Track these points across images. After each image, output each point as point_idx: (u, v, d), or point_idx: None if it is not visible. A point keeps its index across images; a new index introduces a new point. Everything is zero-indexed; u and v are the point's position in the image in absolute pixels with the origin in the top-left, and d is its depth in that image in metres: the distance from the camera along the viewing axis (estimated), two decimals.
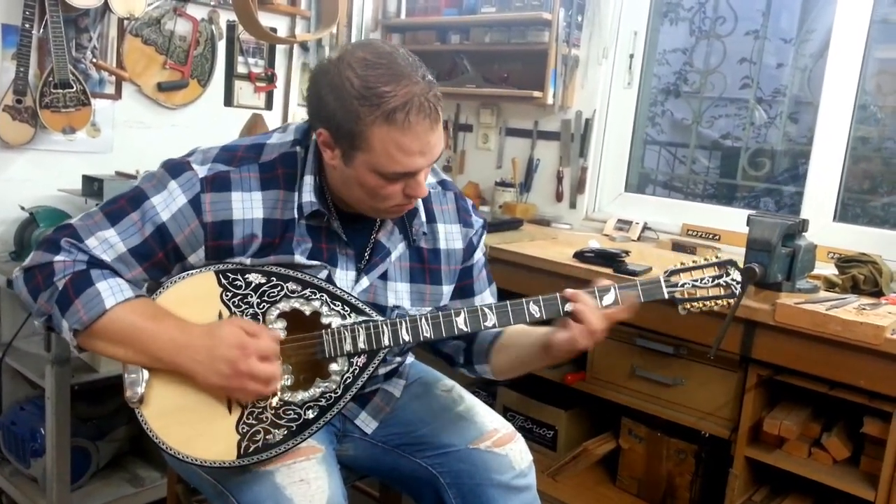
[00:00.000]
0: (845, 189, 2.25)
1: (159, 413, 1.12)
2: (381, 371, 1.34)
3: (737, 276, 1.21)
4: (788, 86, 2.59)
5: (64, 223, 1.15)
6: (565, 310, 1.16)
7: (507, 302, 1.18)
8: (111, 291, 1.09)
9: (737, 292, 1.21)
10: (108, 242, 1.12)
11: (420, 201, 1.25)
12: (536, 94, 2.60)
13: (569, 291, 1.16)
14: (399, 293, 1.27)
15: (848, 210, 2.31)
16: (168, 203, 1.13)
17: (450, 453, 1.30)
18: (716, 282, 1.21)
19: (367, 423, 1.36)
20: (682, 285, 1.20)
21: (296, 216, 1.17)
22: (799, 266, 1.75)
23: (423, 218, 1.27)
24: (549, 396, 2.37)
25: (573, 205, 2.72)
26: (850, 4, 2.15)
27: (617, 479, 2.21)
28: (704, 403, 1.91)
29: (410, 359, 1.48)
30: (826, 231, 2.18)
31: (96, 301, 1.08)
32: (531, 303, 1.17)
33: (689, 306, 1.21)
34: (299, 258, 1.17)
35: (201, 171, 1.14)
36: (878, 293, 1.81)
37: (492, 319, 1.17)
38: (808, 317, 1.60)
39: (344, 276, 1.22)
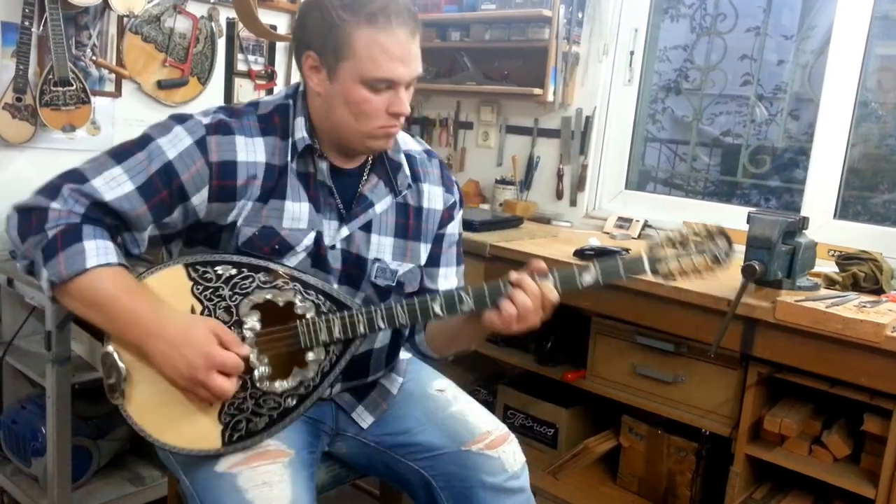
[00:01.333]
0: (846, 186, 2.24)
1: (142, 407, 1.14)
2: (364, 349, 1.31)
3: (723, 242, 1.16)
4: (789, 82, 2.59)
5: (69, 169, 1.14)
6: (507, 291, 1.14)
7: (483, 284, 1.16)
8: (96, 252, 1.08)
9: (723, 261, 1.16)
10: (116, 181, 1.11)
11: (405, 161, 1.30)
12: (537, 91, 2.59)
13: (517, 275, 1.14)
14: (382, 246, 1.29)
15: (848, 207, 2.31)
16: (174, 143, 1.15)
17: (442, 456, 1.29)
18: (700, 250, 1.16)
19: (363, 417, 1.36)
20: (665, 259, 1.16)
21: (289, 158, 1.20)
22: (799, 264, 1.75)
23: (408, 172, 1.30)
24: (549, 394, 2.37)
25: (573, 202, 2.71)
26: (850, 1, 2.15)
27: (618, 476, 2.21)
28: (705, 401, 1.91)
29: (407, 355, 1.48)
30: (826, 228, 2.17)
31: (79, 259, 1.06)
32: (508, 283, 1.15)
33: (674, 276, 1.17)
34: (290, 206, 1.20)
35: (205, 119, 1.18)
36: (878, 291, 1.81)
37: (468, 304, 1.16)
38: (809, 314, 1.60)
39: (327, 226, 1.24)
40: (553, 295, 1.14)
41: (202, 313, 1.14)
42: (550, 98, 2.61)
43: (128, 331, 1.09)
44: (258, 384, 1.15)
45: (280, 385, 1.16)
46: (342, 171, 1.26)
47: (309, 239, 1.22)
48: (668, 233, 1.19)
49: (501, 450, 1.29)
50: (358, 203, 1.27)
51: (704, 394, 1.91)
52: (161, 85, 2.44)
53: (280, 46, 2.79)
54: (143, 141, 1.16)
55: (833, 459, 1.73)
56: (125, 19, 2.31)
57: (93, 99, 2.22)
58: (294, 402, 1.17)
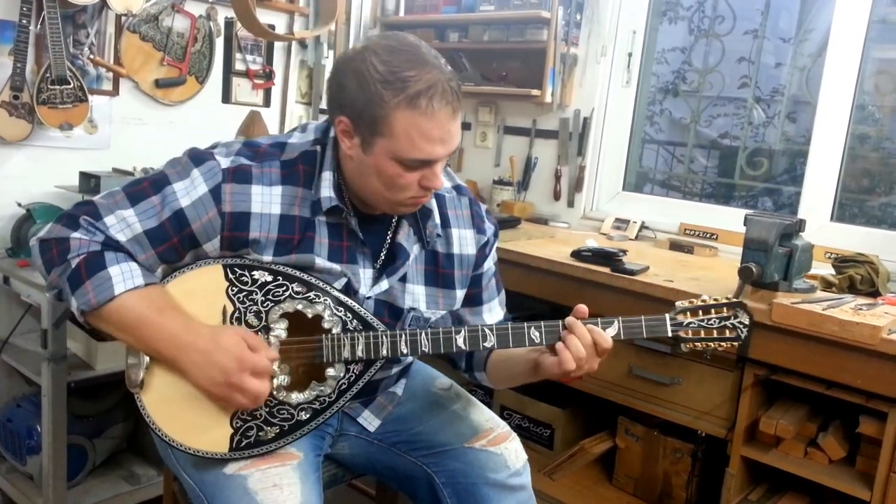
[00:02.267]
0: (843, 189, 2.25)
1: (158, 400, 1.14)
2: (383, 376, 1.33)
3: (745, 319, 1.19)
4: (787, 85, 2.59)
5: (86, 199, 1.16)
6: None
7: (509, 325, 1.17)
8: (122, 277, 1.10)
9: (743, 336, 1.19)
10: (126, 222, 1.13)
11: (435, 205, 1.26)
12: (535, 92, 2.59)
13: (569, 320, 1.15)
14: (416, 295, 1.27)
15: (845, 210, 2.31)
16: (189, 190, 1.14)
17: (445, 452, 1.30)
18: (722, 323, 1.19)
19: (370, 421, 1.36)
20: (688, 325, 1.18)
21: (314, 213, 1.17)
22: (796, 266, 1.75)
23: (438, 220, 1.26)
24: (546, 395, 2.37)
25: (571, 203, 2.71)
26: (848, 4, 2.15)
27: (613, 477, 2.21)
28: (701, 403, 1.91)
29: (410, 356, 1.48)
30: (823, 231, 2.18)
31: (107, 286, 1.08)
32: (532, 328, 1.16)
33: (691, 346, 1.19)
34: (319, 262, 1.17)
35: (224, 162, 1.15)
36: (874, 293, 1.81)
37: (491, 341, 1.16)
38: (805, 317, 1.60)
39: (362, 275, 1.22)
40: (606, 339, 1.15)
41: (233, 314, 1.15)
42: (548, 99, 2.61)
43: (161, 348, 1.10)
44: (275, 393, 1.15)
45: (296, 397, 1.16)
46: (370, 217, 1.23)
47: (340, 283, 1.20)
48: (691, 300, 1.21)
49: (504, 447, 1.30)
50: (398, 254, 1.24)
51: (701, 395, 1.91)
52: (159, 84, 2.44)
53: (278, 46, 2.79)
54: (160, 183, 1.15)
55: (828, 461, 1.74)
56: (123, 18, 2.31)
57: (90, 97, 2.22)
58: (307, 416, 1.16)
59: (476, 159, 2.97)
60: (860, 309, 1.63)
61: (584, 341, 1.13)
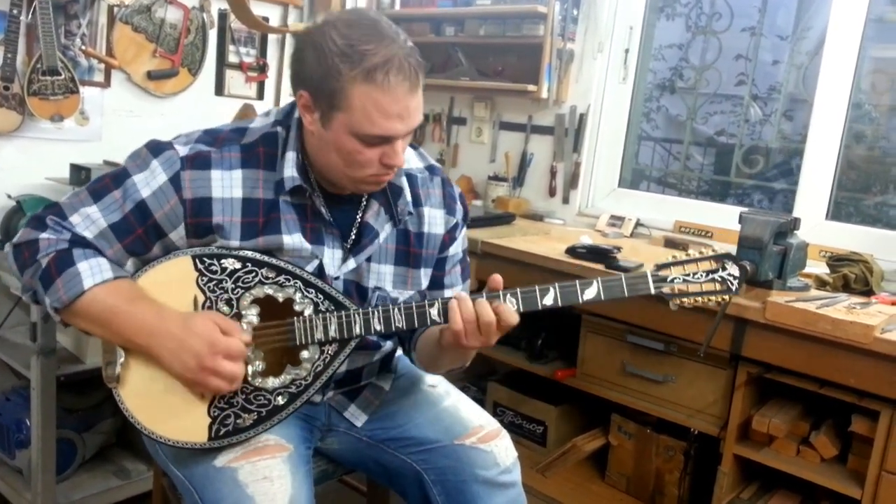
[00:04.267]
0: (838, 187, 2.24)
1: (135, 393, 1.14)
2: (366, 363, 1.33)
3: (734, 270, 1.14)
4: (784, 83, 2.58)
5: (51, 203, 1.19)
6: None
7: (485, 293, 1.15)
8: (91, 272, 1.11)
9: (734, 288, 1.14)
10: (90, 219, 1.14)
11: (406, 184, 1.25)
12: (531, 87, 2.58)
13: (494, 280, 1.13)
14: (382, 275, 1.26)
15: (841, 209, 2.31)
16: (149, 181, 1.14)
17: (434, 449, 1.29)
18: (710, 276, 1.14)
19: (356, 416, 1.35)
20: (672, 280, 1.14)
21: (277, 194, 1.17)
22: (790, 264, 1.75)
23: (409, 199, 1.26)
24: (539, 392, 2.37)
25: (566, 200, 2.71)
26: (845, 2, 2.14)
27: (606, 475, 2.21)
28: (694, 401, 1.91)
29: (398, 352, 1.47)
30: (818, 229, 2.17)
31: (76, 281, 1.10)
32: (508, 294, 1.14)
33: (679, 301, 1.14)
34: (288, 240, 1.17)
35: (182, 150, 1.15)
36: (868, 292, 1.81)
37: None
38: (799, 315, 1.59)
39: (331, 256, 1.22)
40: (491, 317, 1.11)
41: (204, 304, 1.15)
42: (544, 95, 2.60)
43: (134, 337, 1.11)
44: (250, 379, 1.15)
45: (272, 382, 1.16)
46: (339, 197, 1.22)
47: (311, 266, 1.20)
48: (674, 252, 1.17)
49: (494, 444, 1.29)
50: (365, 233, 1.23)
51: (694, 393, 1.91)
52: (151, 75, 2.42)
53: (272, 38, 2.77)
54: (120, 177, 1.16)
55: (820, 460, 1.74)
56: (115, 9, 2.29)
57: (81, 89, 2.20)
58: (284, 400, 1.16)
59: (471, 155, 2.96)
60: (854, 308, 1.63)
61: (468, 314, 1.11)
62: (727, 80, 2.66)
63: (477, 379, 2.65)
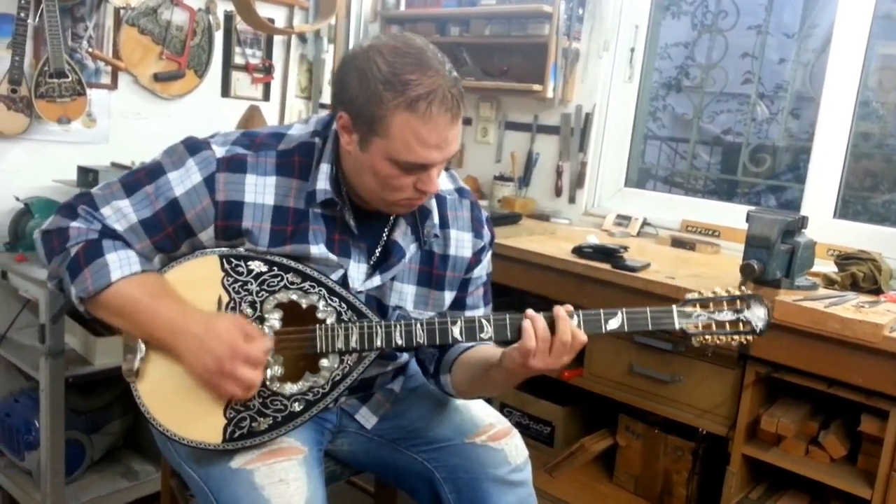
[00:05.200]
0: (846, 186, 2.23)
1: (153, 389, 1.14)
2: (380, 372, 1.33)
3: (761, 312, 1.13)
4: (790, 81, 2.57)
5: (84, 192, 1.17)
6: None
7: (506, 315, 1.15)
8: (119, 264, 1.11)
9: (758, 331, 1.13)
10: (122, 212, 1.14)
11: (435, 205, 1.25)
12: (536, 87, 2.58)
13: (557, 308, 1.12)
14: (403, 294, 1.26)
15: (848, 207, 2.30)
16: (183, 179, 1.14)
17: (446, 448, 1.29)
18: (736, 316, 1.14)
19: (367, 418, 1.35)
20: (697, 317, 1.14)
21: (308, 204, 1.17)
22: (798, 263, 1.74)
23: (436, 220, 1.26)
24: (546, 392, 2.37)
25: (572, 200, 2.70)
26: (852, 0, 2.13)
27: (614, 475, 2.20)
28: (702, 401, 1.90)
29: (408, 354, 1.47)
30: (826, 228, 2.16)
31: (103, 272, 1.10)
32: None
33: (701, 339, 1.14)
34: (315, 251, 1.17)
35: (219, 151, 1.15)
36: (877, 291, 1.80)
37: (488, 332, 1.15)
38: (807, 314, 1.59)
39: (356, 270, 1.21)
40: (569, 337, 1.10)
41: (228, 304, 1.15)
42: (550, 94, 2.59)
43: (156, 332, 1.11)
44: (268, 383, 1.15)
45: (290, 388, 1.15)
46: (367, 211, 1.22)
47: (336, 276, 1.19)
48: (700, 292, 1.16)
49: (505, 442, 1.29)
50: (393, 252, 1.23)
51: (701, 393, 1.90)
52: (157, 77, 2.42)
53: (278, 40, 2.77)
54: (155, 172, 1.15)
55: (830, 460, 1.73)
56: (122, 11, 2.30)
57: (88, 91, 2.20)
58: (300, 407, 1.16)
59: (477, 155, 2.96)
60: (862, 307, 1.62)
61: (563, 330, 1.10)
62: (733, 79, 2.65)
63: None
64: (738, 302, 1.15)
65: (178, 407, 1.13)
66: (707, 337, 1.14)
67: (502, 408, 2.45)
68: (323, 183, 1.16)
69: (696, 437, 1.99)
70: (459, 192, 1.33)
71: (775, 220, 1.70)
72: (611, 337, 2.07)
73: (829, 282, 1.85)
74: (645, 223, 2.49)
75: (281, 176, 1.16)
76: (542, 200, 2.77)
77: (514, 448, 1.29)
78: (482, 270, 1.35)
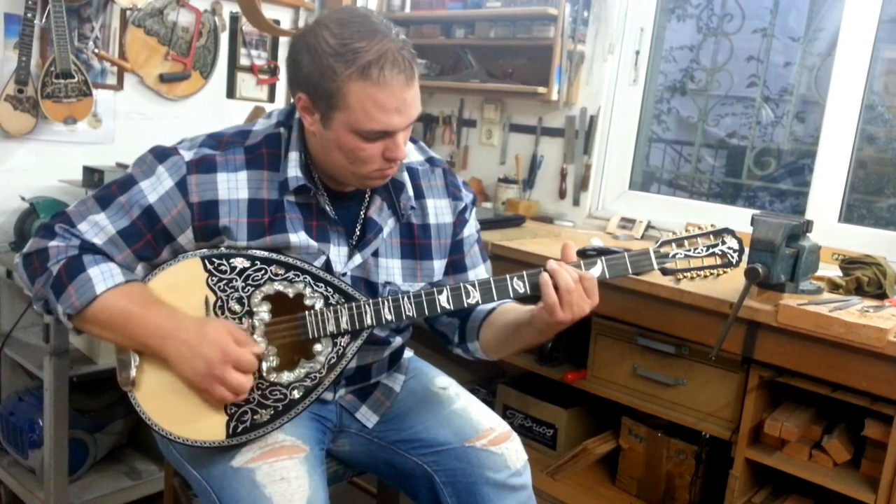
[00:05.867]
0: (851, 190, 2.23)
1: (151, 396, 1.15)
2: (370, 359, 1.33)
3: (733, 243, 1.17)
4: (795, 85, 2.57)
5: (60, 210, 1.19)
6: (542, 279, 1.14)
7: (490, 278, 1.17)
8: (102, 277, 1.12)
9: (734, 261, 1.17)
10: (99, 226, 1.15)
11: (408, 179, 1.27)
12: (541, 89, 2.58)
13: (552, 262, 1.14)
14: (390, 269, 1.27)
15: (853, 211, 2.29)
16: (155, 186, 1.15)
17: (445, 451, 1.29)
18: (710, 251, 1.18)
19: (367, 417, 1.36)
20: (674, 256, 1.18)
21: (281, 194, 1.18)
22: (802, 267, 1.74)
23: (411, 192, 1.27)
24: (549, 395, 2.36)
25: (576, 202, 2.70)
26: (858, 3, 2.13)
27: (616, 478, 2.20)
28: (705, 404, 1.90)
29: (409, 353, 1.48)
30: (831, 232, 2.16)
31: (88, 287, 1.11)
32: (515, 278, 1.16)
33: (681, 276, 1.18)
34: (295, 239, 1.18)
35: (188, 155, 1.17)
36: (882, 295, 1.80)
37: (475, 296, 1.16)
38: (811, 318, 1.58)
39: (337, 253, 1.23)
40: (589, 274, 1.13)
41: (216, 304, 1.16)
42: (555, 97, 2.60)
43: (147, 340, 1.11)
44: (265, 375, 1.16)
45: (287, 376, 1.16)
46: (342, 194, 1.24)
47: (318, 262, 1.20)
48: (674, 231, 1.19)
49: (504, 446, 1.29)
50: (368, 228, 1.25)
51: (705, 397, 1.90)
52: (163, 78, 2.43)
53: (283, 41, 2.78)
54: (126, 183, 1.17)
55: (833, 464, 1.72)
56: (128, 12, 2.31)
57: (94, 92, 2.22)
58: (300, 394, 1.17)
59: (481, 157, 2.96)
60: (867, 311, 1.62)
61: (569, 276, 1.12)
62: (738, 82, 2.64)
63: (486, 381, 2.65)
64: (711, 237, 1.18)
65: (178, 409, 1.14)
66: (687, 273, 1.17)
67: (505, 410, 2.45)
68: (294, 170, 1.17)
69: (700, 440, 1.98)
70: (430, 161, 1.34)
71: (780, 224, 1.69)
72: (614, 340, 2.07)
73: (834, 286, 1.84)
74: (649, 226, 2.48)
75: (251, 170, 1.17)
76: (546, 203, 2.77)
77: (513, 452, 1.30)
78: (471, 228, 1.37)
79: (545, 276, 1.12)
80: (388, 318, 1.16)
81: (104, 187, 1.19)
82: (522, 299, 1.20)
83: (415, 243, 1.29)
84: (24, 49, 2.05)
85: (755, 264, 1.68)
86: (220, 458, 1.16)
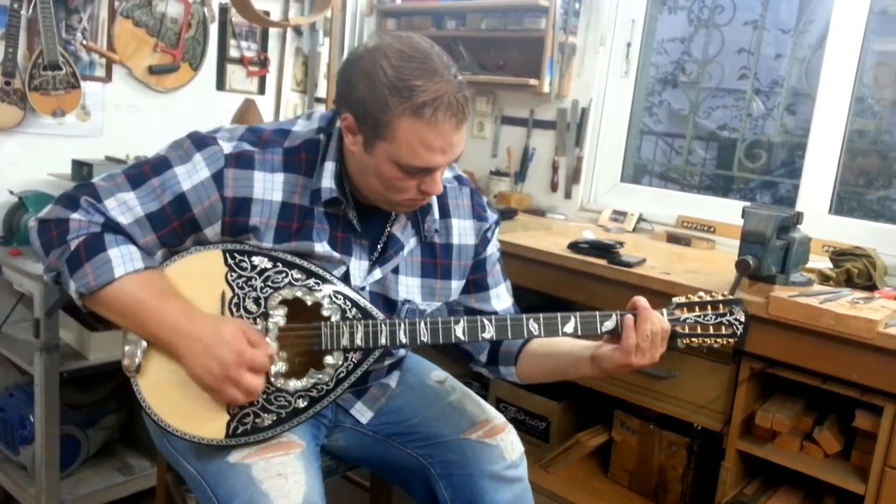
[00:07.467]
0: (841, 182, 2.24)
1: (154, 385, 1.13)
2: (374, 367, 1.33)
3: (741, 316, 1.21)
4: (786, 77, 2.57)
5: (85, 182, 1.15)
6: (602, 329, 1.18)
7: (507, 316, 1.18)
8: (122, 260, 1.09)
9: (738, 333, 1.21)
10: (127, 205, 1.12)
11: (435, 199, 1.26)
12: (533, 82, 2.57)
13: (638, 301, 1.18)
14: (409, 287, 1.26)
15: (843, 203, 2.30)
16: (191, 174, 1.13)
17: (441, 443, 1.29)
18: (718, 320, 1.21)
19: (362, 413, 1.36)
20: (685, 320, 1.21)
21: (313, 203, 1.17)
22: (793, 259, 1.74)
23: (437, 215, 1.27)
24: (541, 388, 2.37)
25: (568, 195, 2.70)
26: None
27: (609, 471, 2.21)
28: (697, 396, 1.91)
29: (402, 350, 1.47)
30: (821, 224, 2.17)
31: (106, 268, 1.08)
32: (531, 320, 1.17)
33: (687, 341, 1.21)
34: (319, 248, 1.17)
35: (227, 147, 1.14)
36: (871, 287, 1.81)
37: (490, 332, 1.17)
38: (802, 310, 1.59)
39: (357, 266, 1.22)
40: (665, 323, 1.18)
41: (232, 300, 1.14)
42: (546, 89, 2.59)
43: (160, 333, 1.10)
44: (273, 380, 1.15)
45: (294, 384, 1.16)
46: (369, 207, 1.22)
47: (339, 272, 1.20)
48: (688, 296, 1.23)
49: (500, 438, 1.29)
50: (390, 245, 1.24)
51: (697, 389, 1.91)
52: (152, 70, 2.41)
53: (273, 32, 2.76)
54: (161, 166, 1.14)
55: (824, 455, 1.74)
56: (116, 3, 2.28)
57: (83, 84, 2.19)
58: (305, 403, 1.16)
59: (473, 150, 2.95)
60: (857, 302, 1.63)
61: (653, 327, 1.15)
62: (729, 74, 2.64)
63: (479, 374, 2.65)
64: (721, 306, 1.22)
65: (180, 403, 1.13)
66: (693, 339, 1.21)
67: (498, 403, 2.45)
68: (328, 181, 1.16)
69: (691, 432, 1.99)
70: (458, 179, 1.33)
71: (770, 216, 1.70)
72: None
73: (824, 278, 1.85)
74: (641, 219, 2.49)
75: (288, 173, 1.16)
76: (538, 196, 2.76)
77: (509, 444, 1.30)
78: (493, 248, 1.36)
79: (629, 319, 1.15)
80: (403, 340, 1.16)
81: (135, 166, 1.16)
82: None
83: (436, 262, 1.28)
84: (11, 40, 2.03)
85: (746, 256, 1.68)
86: (216, 453, 1.15)
